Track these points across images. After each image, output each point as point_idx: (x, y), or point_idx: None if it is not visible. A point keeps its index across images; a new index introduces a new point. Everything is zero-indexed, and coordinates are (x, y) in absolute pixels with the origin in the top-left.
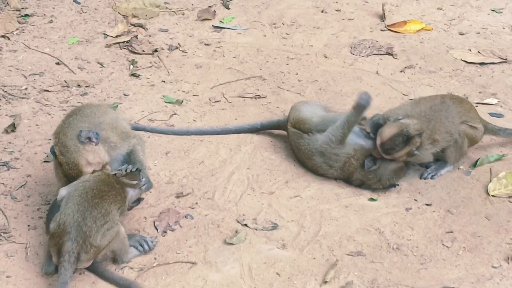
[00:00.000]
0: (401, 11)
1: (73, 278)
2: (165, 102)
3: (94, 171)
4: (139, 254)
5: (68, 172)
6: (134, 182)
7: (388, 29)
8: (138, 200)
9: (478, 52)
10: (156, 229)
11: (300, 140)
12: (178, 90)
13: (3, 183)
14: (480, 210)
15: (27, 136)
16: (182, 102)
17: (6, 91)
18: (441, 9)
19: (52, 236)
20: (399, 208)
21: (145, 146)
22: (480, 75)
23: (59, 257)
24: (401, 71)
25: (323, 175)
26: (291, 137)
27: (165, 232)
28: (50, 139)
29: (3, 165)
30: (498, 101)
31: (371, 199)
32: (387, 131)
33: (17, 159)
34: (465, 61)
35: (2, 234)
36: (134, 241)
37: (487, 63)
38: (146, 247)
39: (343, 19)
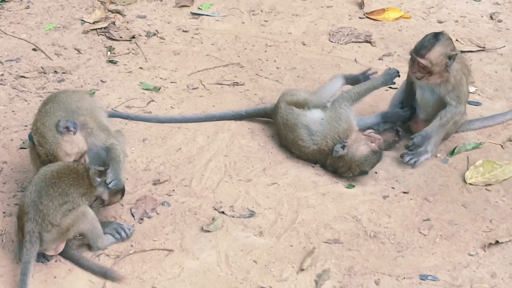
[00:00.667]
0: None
1: (49, 265)
2: (142, 89)
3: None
4: (116, 241)
5: (46, 162)
6: (99, 179)
7: (367, 17)
8: (122, 194)
9: (456, 40)
10: (133, 216)
11: (290, 114)
12: (156, 77)
13: None
14: (457, 198)
15: (3, 122)
16: (159, 89)
17: None
18: None
19: (17, 220)
20: (376, 196)
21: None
22: None
23: (23, 236)
24: (379, 59)
25: (299, 155)
26: (280, 114)
27: (142, 219)
28: (26, 126)
29: None
30: (476, 89)
31: (349, 186)
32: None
33: None
34: None
35: None
36: (110, 228)
37: (465, 51)
38: (123, 234)
39: (322, 7)
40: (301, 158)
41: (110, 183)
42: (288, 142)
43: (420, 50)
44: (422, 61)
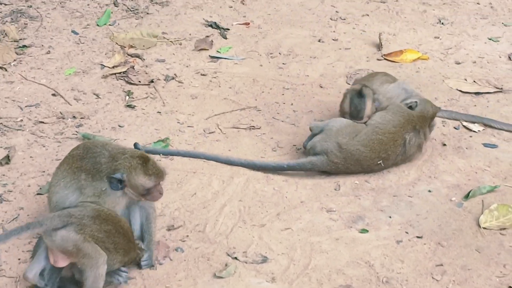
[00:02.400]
0: (398, 40)
1: None
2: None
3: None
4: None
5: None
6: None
7: (385, 59)
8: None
9: (474, 81)
10: None
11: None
12: (173, 121)
13: None
14: (471, 242)
15: (21, 168)
16: (169, 141)
17: (1, 123)
18: (438, 38)
19: None
20: (389, 241)
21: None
22: (475, 105)
23: None
24: None
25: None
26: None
27: (153, 265)
28: (44, 172)
29: None
30: (493, 131)
31: (363, 231)
32: None
33: (10, 191)
34: (460, 90)
35: None
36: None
37: (482, 93)
38: (121, 279)
39: (340, 49)
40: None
41: (144, 263)
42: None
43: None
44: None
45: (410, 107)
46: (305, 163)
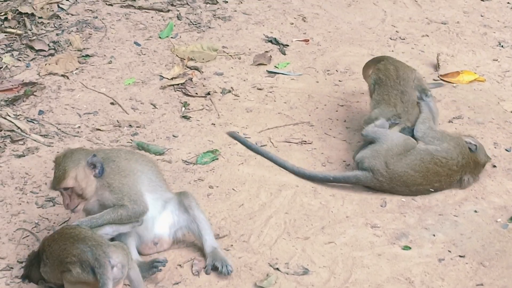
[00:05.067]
0: (456, 61)
1: None
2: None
3: (66, 194)
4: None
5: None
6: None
7: (441, 79)
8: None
9: None
10: (192, 267)
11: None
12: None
13: (47, 218)
14: None
15: None
16: (219, 153)
17: (60, 129)
18: (497, 60)
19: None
20: (432, 259)
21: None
22: None
23: None
24: (449, 121)
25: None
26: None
27: (198, 271)
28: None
29: (49, 200)
30: None
31: (406, 247)
32: None
33: None
34: None
35: None
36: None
37: None
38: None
39: None
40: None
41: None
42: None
43: None
44: None
45: (470, 149)
46: (350, 177)
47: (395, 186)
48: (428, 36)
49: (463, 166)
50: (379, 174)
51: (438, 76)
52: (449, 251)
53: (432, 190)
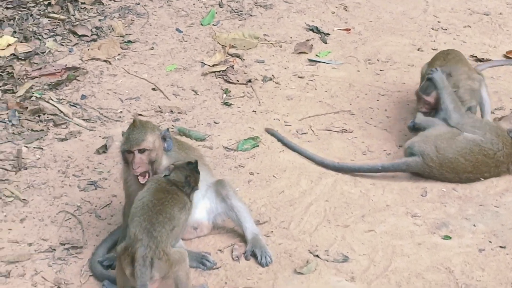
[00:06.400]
0: (498, 52)
1: None
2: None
3: (139, 157)
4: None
5: (127, 138)
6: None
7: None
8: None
9: None
10: (232, 252)
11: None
12: (267, 120)
13: (89, 202)
14: None
15: (117, 157)
16: (259, 140)
17: (102, 113)
18: None
19: (124, 251)
20: (472, 249)
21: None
22: None
23: (132, 266)
24: (491, 112)
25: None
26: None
27: (238, 257)
28: None
29: (91, 184)
30: None
31: (446, 237)
32: None
33: (105, 179)
34: None
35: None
36: (195, 260)
37: None
38: (208, 264)
39: None
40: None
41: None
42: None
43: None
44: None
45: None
46: (400, 164)
47: (444, 172)
48: (470, 26)
49: (509, 155)
50: (429, 159)
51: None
52: (490, 242)
53: (482, 179)
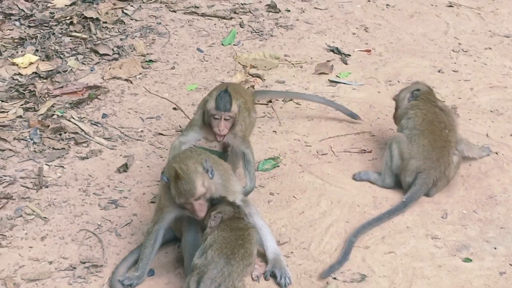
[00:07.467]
0: None
1: None
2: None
3: (197, 203)
4: None
5: (178, 191)
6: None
7: None
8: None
9: None
10: (252, 272)
11: None
12: (287, 140)
13: (109, 220)
14: None
15: (138, 176)
16: (280, 160)
17: (123, 132)
18: None
19: (194, 268)
20: (493, 271)
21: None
22: None
23: (198, 284)
24: (511, 135)
25: None
26: None
27: (258, 277)
28: (159, 181)
29: (112, 202)
30: None
31: (467, 260)
32: None
33: (125, 198)
34: None
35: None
36: None
37: None
38: None
39: (459, 80)
40: None
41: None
42: None
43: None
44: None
45: None
46: (416, 192)
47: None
48: (491, 49)
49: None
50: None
51: None
52: (511, 265)
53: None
